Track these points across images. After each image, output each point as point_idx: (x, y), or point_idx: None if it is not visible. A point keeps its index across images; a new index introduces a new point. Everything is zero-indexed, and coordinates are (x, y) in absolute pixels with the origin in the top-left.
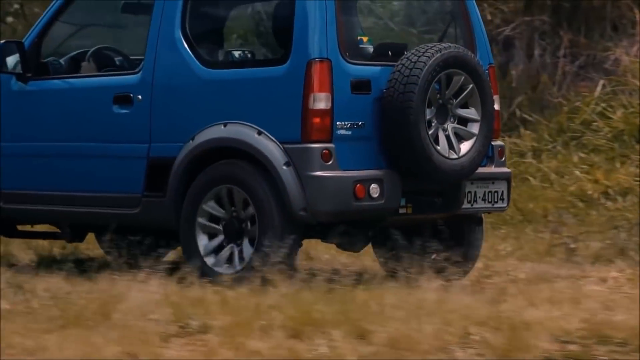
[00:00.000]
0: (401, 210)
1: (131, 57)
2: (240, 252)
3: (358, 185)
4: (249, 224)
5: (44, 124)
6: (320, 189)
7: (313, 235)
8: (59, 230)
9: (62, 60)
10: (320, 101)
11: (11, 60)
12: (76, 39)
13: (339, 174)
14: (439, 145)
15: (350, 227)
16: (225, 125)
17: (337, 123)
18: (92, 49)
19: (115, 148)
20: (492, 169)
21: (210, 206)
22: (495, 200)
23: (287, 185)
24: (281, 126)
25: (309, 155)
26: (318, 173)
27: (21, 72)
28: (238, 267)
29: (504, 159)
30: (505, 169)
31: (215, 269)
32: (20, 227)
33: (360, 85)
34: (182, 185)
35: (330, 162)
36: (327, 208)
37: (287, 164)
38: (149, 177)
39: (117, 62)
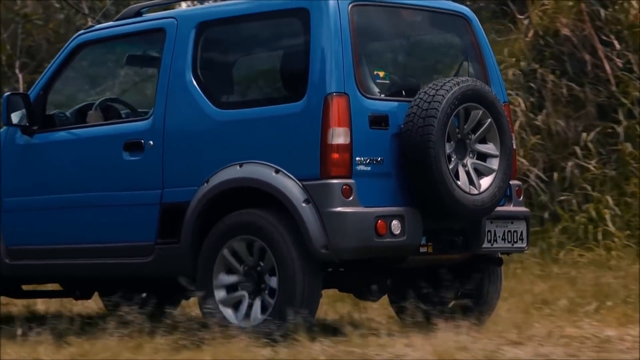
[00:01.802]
0: (422, 249)
1: (139, 110)
2: (261, 304)
3: (380, 221)
4: (268, 275)
5: (51, 176)
6: (342, 225)
7: (330, 285)
8: (65, 289)
9: (68, 113)
10: (339, 136)
11: (16, 113)
12: (82, 91)
13: (360, 209)
14: (459, 180)
15: (368, 274)
16: (241, 165)
17: (357, 158)
18: (98, 101)
19: (127, 196)
20: (511, 208)
21: (227, 259)
22: (515, 240)
23: (307, 222)
24: (299, 163)
25: (329, 191)
26: (339, 209)
27: (27, 125)
28: (259, 320)
29: (521, 198)
30: (524, 209)
31: (235, 322)
32: (25, 287)
33: (379, 120)
34: (197, 230)
35: (350, 198)
36: (349, 244)
37: (306, 201)
38: (162, 224)
39: (124, 114)
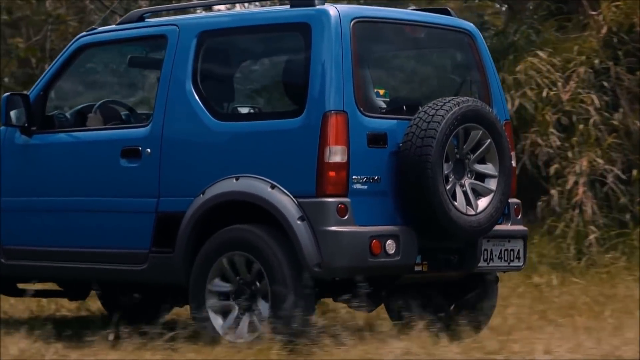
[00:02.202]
0: (417, 268)
1: (139, 112)
2: (249, 320)
3: (374, 241)
4: (260, 292)
5: (48, 178)
6: (336, 244)
7: (324, 296)
8: (61, 289)
9: (67, 114)
10: (336, 154)
11: (15, 113)
12: (82, 93)
13: (354, 229)
14: (456, 200)
15: (363, 286)
16: (237, 178)
17: (353, 177)
18: (98, 103)
19: (122, 202)
20: (509, 227)
21: (220, 275)
22: (512, 259)
23: (301, 240)
24: (295, 180)
25: (324, 209)
26: (333, 228)
27: (26, 125)
28: (245, 338)
29: (520, 216)
30: (521, 227)
31: (221, 331)
32: (21, 285)
33: (377, 139)
34: (192, 241)
35: (346, 217)
36: (343, 264)
37: (301, 218)
38: (157, 233)
39: (124, 116)
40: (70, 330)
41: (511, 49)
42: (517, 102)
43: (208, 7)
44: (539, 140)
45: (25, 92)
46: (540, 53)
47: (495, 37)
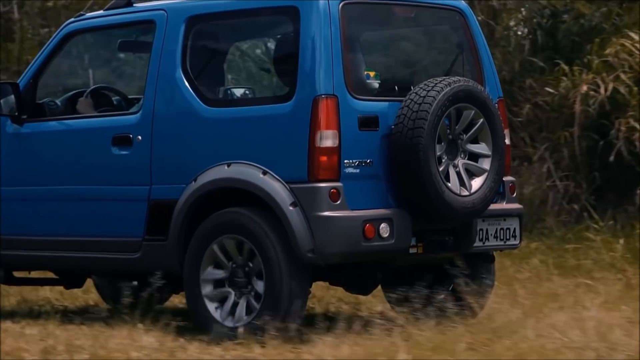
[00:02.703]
0: (412, 250)
1: (129, 97)
2: (247, 303)
3: (367, 225)
4: (255, 276)
5: (40, 167)
6: (329, 229)
7: (321, 278)
8: (56, 277)
9: (58, 101)
10: (327, 139)
11: (6, 101)
12: (72, 79)
13: (347, 213)
14: (449, 182)
15: (359, 268)
16: (228, 165)
17: (345, 161)
18: (89, 89)
19: (115, 191)
20: (504, 206)
21: (214, 259)
22: (508, 237)
23: (293, 226)
24: (287, 165)
25: (316, 195)
26: (326, 213)
27: (16, 114)
28: (245, 320)
29: (515, 194)
30: (517, 205)
31: (217, 317)
32: (17, 274)
33: (368, 122)
34: (185, 229)
35: (338, 202)
36: (336, 249)
37: (293, 204)
38: (150, 220)
39: (115, 102)
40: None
41: (593, 32)
42: (610, 86)
43: None
44: (637, 125)
45: (14, 81)
46: (632, 34)
47: (575, 20)
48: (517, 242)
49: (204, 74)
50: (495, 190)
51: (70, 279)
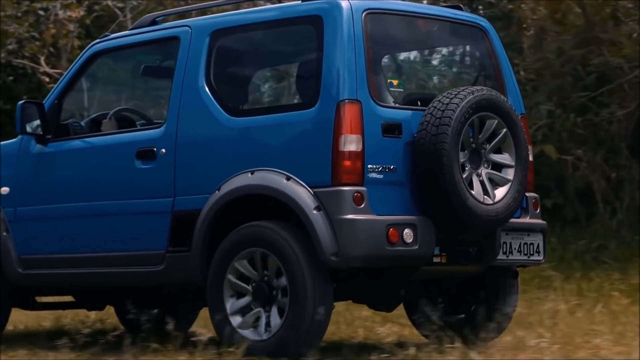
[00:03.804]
0: (435, 260)
1: (153, 120)
2: (268, 318)
3: (391, 229)
4: (279, 292)
5: (64, 185)
6: (353, 232)
7: (344, 297)
8: (78, 301)
9: (82, 122)
10: (351, 143)
11: (31, 122)
12: (96, 101)
13: (371, 217)
14: (473, 190)
15: (382, 283)
16: (252, 172)
17: (369, 166)
18: (112, 110)
19: (138, 204)
20: (527, 220)
21: (238, 273)
22: (531, 252)
23: (317, 229)
24: (310, 170)
25: (340, 198)
26: (350, 216)
27: (41, 134)
28: (264, 336)
29: (538, 210)
30: (540, 221)
31: (241, 331)
32: (38, 299)
33: (391, 129)
34: (208, 238)
35: (362, 206)
36: (360, 252)
37: (317, 208)
38: (173, 232)
39: (138, 125)
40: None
41: None
42: None
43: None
44: None
45: (39, 101)
46: None
47: None
48: (541, 257)
49: (228, 85)
50: (519, 201)
51: (91, 302)
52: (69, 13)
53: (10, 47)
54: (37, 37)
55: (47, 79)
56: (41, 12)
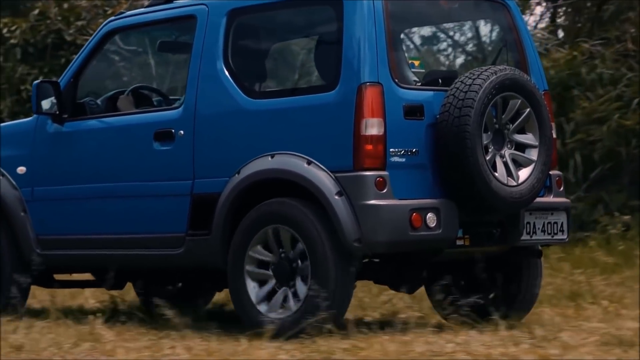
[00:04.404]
0: (459, 242)
1: (170, 98)
2: (294, 293)
3: (414, 214)
4: (299, 262)
5: (81, 166)
6: (375, 218)
7: (365, 277)
8: (97, 279)
9: (98, 101)
10: (373, 127)
11: (46, 101)
12: (113, 78)
13: (394, 202)
14: (496, 171)
15: (404, 265)
16: (272, 156)
17: (391, 150)
18: (129, 88)
19: (157, 186)
20: (551, 199)
21: (258, 250)
22: (555, 231)
23: (339, 215)
24: (332, 154)
25: (362, 183)
26: (372, 202)
27: (57, 113)
28: (294, 309)
29: (562, 188)
30: (564, 199)
31: (270, 315)
32: (57, 277)
33: (414, 111)
34: (228, 222)
35: (384, 191)
36: (383, 238)
37: (339, 193)
38: (193, 215)
39: (155, 102)
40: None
41: None
42: None
43: None
44: None
45: (55, 80)
46: None
47: None
48: (565, 236)
49: (246, 66)
50: (543, 182)
51: (110, 280)
52: None
53: (79, 23)
54: (107, 12)
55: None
56: None
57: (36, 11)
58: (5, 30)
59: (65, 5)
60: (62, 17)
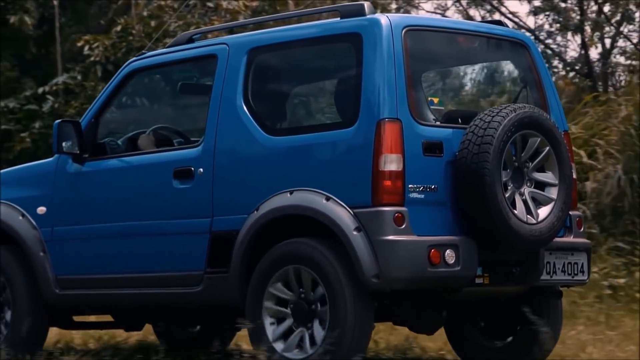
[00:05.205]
0: (478, 280)
1: (191, 139)
2: (311, 335)
3: (433, 250)
4: (319, 305)
5: (101, 205)
6: (394, 254)
7: (384, 318)
8: (116, 320)
9: (119, 141)
10: (392, 163)
11: (67, 141)
12: (133, 120)
13: (412, 238)
14: (516, 209)
15: (423, 304)
16: (291, 192)
17: (409, 186)
18: (149, 129)
19: (176, 224)
20: (571, 239)
21: (277, 289)
22: (576, 272)
23: (358, 251)
24: (350, 190)
25: (380, 219)
26: (391, 237)
27: (78, 152)
28: (310, 352)
29: (582, 229)
30: (584, 240)
31: (286, 354)
32: (76, 318)
33: (432, 147)
34: (247, 259)
35: (403, 226)
36: (401, 274)
37: (357, 229)
38: (212, 253)
39: (176, 143)
40: None
41: None
42: None
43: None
44: None
45: (76, 120)
46: None
47: None
48: (585, 277)
49: (266, 103)
50: (563, 220)
51: (129, 321)
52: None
53: (166, 41)
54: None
55: None
56: (210, 4)
57: (118, 27)
58: (86, 48)
59: (153, 23)
60: (145, 34)
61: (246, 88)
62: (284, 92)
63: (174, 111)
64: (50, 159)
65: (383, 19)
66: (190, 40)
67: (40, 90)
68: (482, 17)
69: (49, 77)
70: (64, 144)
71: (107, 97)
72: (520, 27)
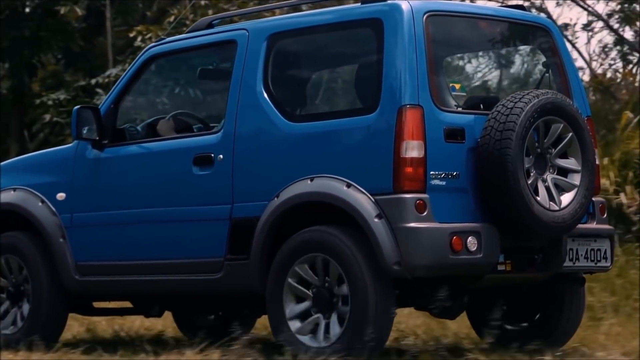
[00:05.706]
0: (500, 267)
1: (210, 125)
2: (327, 325)
3: (455, 237)
4: (340, 300)
5: (120, 191)
6: (415, 241)
7: (406, 303)
8: (135, 307)
9: (138, 127)
10: (413, 149)
11: (87, 126)
12: (152, 105)
13: (434, 225)
14: (538, 196)
15: (446, 291)
16: (312, 179)
17: (431, 172)
18: (169, 115)
19: (196, 211)
20: (594, 226)
21: (304, 269)
22: (599, 259)
23: (379, 238)
24: (371, 177)
25: (402, 206)
26: (412, 224)
27: (97, 139)
28: (322, 343)
29: (605, 215)
30: (607, 226)
31: (299, 336)
32: (96, 305)
33: (454, 134)
34: (267, 246)
35: (424, 213)
36: (423, 261)
37: (378, 216)
38: (232, 240)
39: (195, 129)
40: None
41: None
42: None
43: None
44: None
45: (95, 106)
46: None
47: None
48: (608, 264)
49: (286, 89)
50: (586, 207)
51: (149, 308)
52: None
53: None
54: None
55: None
56: None
57: (171, 18)
58: (139, 39)
59: (210, 12)
60: None
61: (266, 74)
62: (304, 78)
63: (193, 97)
64: (70, 144)
65: (404, 4)
66: (210, 25)
67: (93, 81)
68: (502, 2)
69: (95, 69)
70: (83, 130)
71: (126, 83)
72: (542, 11)
